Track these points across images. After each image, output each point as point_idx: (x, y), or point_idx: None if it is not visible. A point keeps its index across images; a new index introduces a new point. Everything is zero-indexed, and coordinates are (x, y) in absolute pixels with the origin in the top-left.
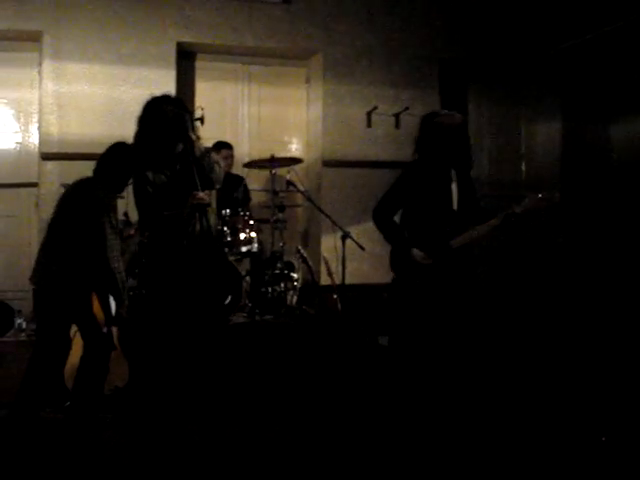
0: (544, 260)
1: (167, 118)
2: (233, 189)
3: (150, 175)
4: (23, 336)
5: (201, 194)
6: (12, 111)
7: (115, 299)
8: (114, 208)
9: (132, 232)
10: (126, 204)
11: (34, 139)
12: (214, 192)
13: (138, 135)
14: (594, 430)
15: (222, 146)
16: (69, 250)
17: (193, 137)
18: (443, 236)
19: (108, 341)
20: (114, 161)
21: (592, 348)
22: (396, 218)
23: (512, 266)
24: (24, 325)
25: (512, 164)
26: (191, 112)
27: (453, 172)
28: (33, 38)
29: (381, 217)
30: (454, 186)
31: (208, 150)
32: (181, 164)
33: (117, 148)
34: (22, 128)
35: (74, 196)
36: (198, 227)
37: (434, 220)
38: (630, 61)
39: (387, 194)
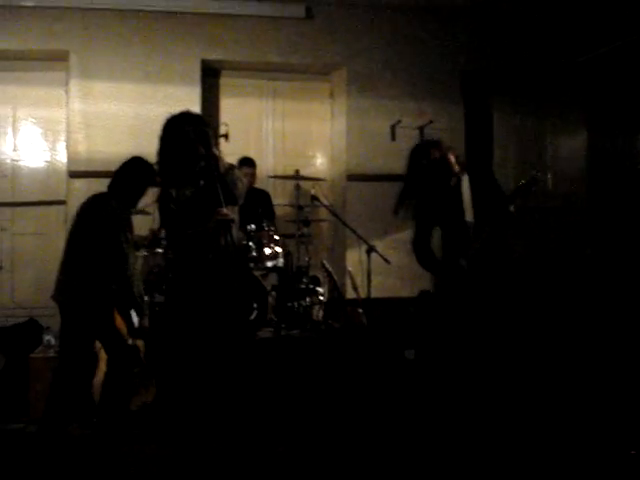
0: (572, 272)
1: (188, 137)
2: (257, 204)
3: (174, 193)
4: (52, 352)
5: (225, 210)
6: (40, 130)
7: (136, 311)
8: (129, 222)
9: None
10: (152, 221)
11: (62, 157)
12: (237, 208)
13: (160, 154)
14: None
15: (243, 163)
16: (87, 265)
17: (216, 153)
18: (452, 255)
19: (132, 355)
20: (128, 175)
21: (621, 361)
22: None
23: (540, 278)
24: (53, 341)
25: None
26: (213, 128)
27: (466, 179)
28: (60, 58)
29: (416, 250)
30: (466, 196)
31: (232, 166)
32: (205, 180)
33: (132, 163)
34: (50, 147)
35: (89, 211)
36: (222, 242)
37: (446, 239)
38: None
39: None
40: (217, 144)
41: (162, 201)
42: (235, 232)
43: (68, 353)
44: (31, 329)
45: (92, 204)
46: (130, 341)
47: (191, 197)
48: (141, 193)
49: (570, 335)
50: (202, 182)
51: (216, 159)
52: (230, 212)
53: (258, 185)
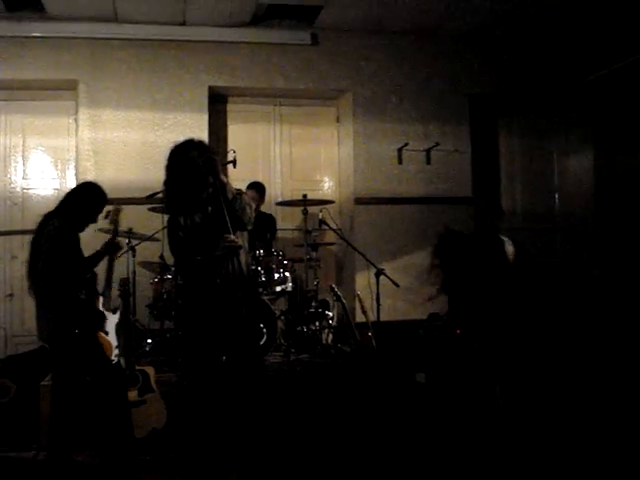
0: (580, 292)
1: (195, 163)
2: (265, 229)
3: (182, 220)
4: None
5: (232, 237)
6: (50, 158)
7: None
8: (67, 240)
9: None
10: (162, 247)
11: (71, 185)
12: (246, 233)
13: (167, 182)
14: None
15: (250, 187)
16: (45, 291)
17: (224, 180)
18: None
19: (119, 377)
20: (75, 198)
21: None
22: None
23: (548, 298)
24: None
25: (545, 196)
26: (220, 154)
27: None
28: (69, 87)
29: None
30: None
31: (240, 192)
32: (213, 207)
33: (83, 187)
34: (59, 175)
35: (36, 230)
36: (230, 268)
37: None
38: None
39: None
40: (225, 170)
41: (170, 228)
42: (244, 257)
43: (59, 381)
44: (42, 356)
45: (39, 225)
46: (116, 360)
47: (199, 224)
48: (87, 216)
49: (581, 355)
50: (210, 208)
51: (223, 185)
52: (238, 238)
53: (267, 210)
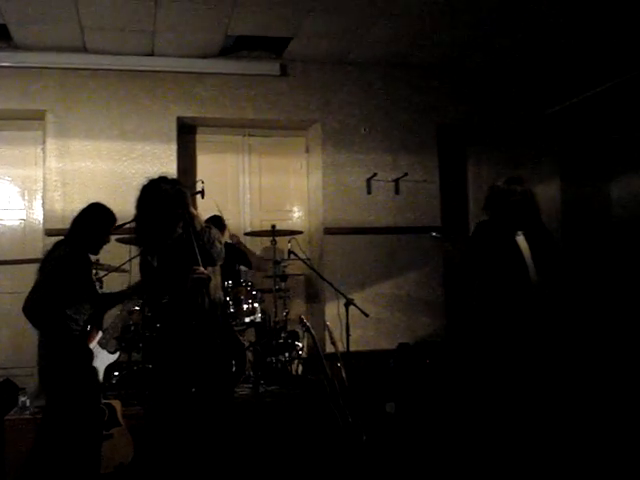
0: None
1: (168, 195)
2: (233, 260)
3: (150, 258)
4: (27, 414)
5: (201, 269)
6: (17, 188)
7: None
8: (79, 266)
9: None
10: (129, 278)
11: (38, 215)
12: (219, 268)
13: (138, 217)
14: None
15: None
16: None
17: (193, 212)
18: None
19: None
20: (83, 221)
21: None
22: None
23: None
24: (28, 403)
25: None
26: (190, 187)
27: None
28: (37, 117)
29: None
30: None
31: (208, 226)
32: (183, 240)
33: (89, 209)
34: (27, 205)
35: (44, 258)
36: (200, 301)
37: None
38: (624, 119)
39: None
40: (194, 202)
41: (141, 264)
42: (214, 291)
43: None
44: (6, 390)
45: (48, 252)
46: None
47: (169, 258)
48: (99, 237)
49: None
50: (180, 242)
51: (192, 218)
52: (209, 271)
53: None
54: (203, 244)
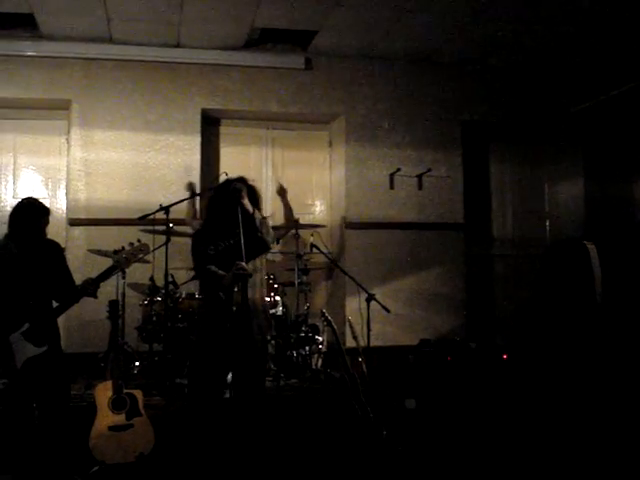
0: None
1: (239, 191)
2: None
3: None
4: None
5: (243, 264)
6: (41, 177)
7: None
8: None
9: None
10: (152, 269)
11: (62, 205)
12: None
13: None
14: None
15: None
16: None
17: (249, 207)
18: None
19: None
20: (15, 216)
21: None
22: None
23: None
24: None
25: (536, 223)
26: (251, 186)
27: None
28: (62, 106)
29: None
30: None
31: (264, 218)
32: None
33: (20, 205)
34: (50, 194)
35: None
36: (239, 297)
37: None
38: None
39: None
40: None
41: (195, 249)
42: (260, 285)
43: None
44: None
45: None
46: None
47: (225, 249)
48: (25, 229)
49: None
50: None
51: (247, 212)
52: (255, 267)
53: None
54: (258, 235)
